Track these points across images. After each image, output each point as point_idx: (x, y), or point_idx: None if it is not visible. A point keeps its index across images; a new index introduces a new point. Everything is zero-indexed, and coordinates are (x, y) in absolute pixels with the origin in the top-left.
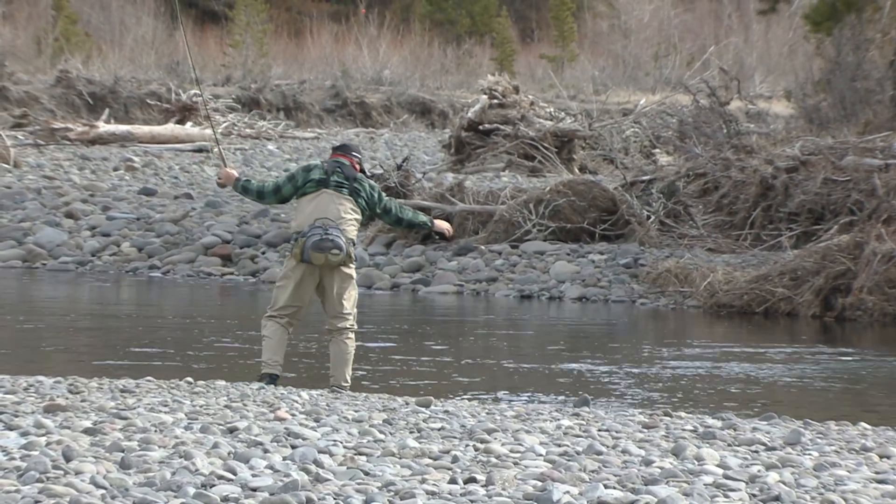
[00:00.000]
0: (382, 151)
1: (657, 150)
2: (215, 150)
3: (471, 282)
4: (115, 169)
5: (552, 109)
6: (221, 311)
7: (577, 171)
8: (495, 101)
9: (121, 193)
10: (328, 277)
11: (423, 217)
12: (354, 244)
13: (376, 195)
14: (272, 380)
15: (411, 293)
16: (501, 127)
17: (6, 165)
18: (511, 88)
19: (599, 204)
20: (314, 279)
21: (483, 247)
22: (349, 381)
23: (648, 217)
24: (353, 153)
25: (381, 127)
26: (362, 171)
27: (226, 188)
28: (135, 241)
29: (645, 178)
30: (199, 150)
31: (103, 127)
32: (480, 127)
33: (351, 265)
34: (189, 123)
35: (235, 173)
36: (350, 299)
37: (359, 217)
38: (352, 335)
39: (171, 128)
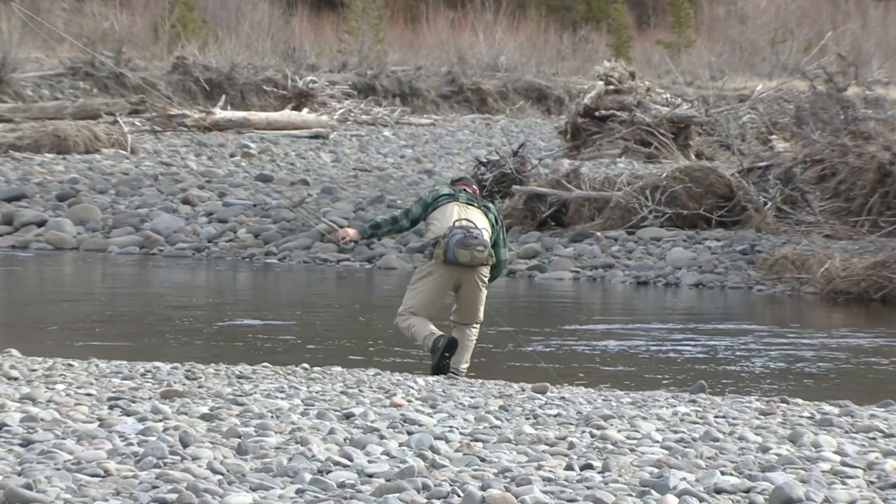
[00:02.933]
0: (498, 138)
1: (774, 137)
2: (321, 225)
3: (587, 268)
4: (232, 155)
5: (668, 95)
6: (337, 297)
7: (693, 157)
8: (611, 87)
9: (237, 180)
10: (467, 281)
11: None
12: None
13: (501, 221)
14: (449, 344)
15: (527, 279)
16: (617, 113)
17: (123, 152)
18: (627, 74)
19: (716, 190)
20: (451, 284)
21: (599, 233)
22: (466, 368)
23: (765, 203)
24: (473, 184)
25: (496, 113)
26: None
27: (351, 246)
28: (251, 227)
29: (762, 164)
30: (316, 137)
31: (220, 113)
32: (596, 113)
33: (488, 267)
34: (305, 110)
35: (354, 230)
36: (483, 303)
37: (489, 229)
38: (477, 325)
39: (287, 114)
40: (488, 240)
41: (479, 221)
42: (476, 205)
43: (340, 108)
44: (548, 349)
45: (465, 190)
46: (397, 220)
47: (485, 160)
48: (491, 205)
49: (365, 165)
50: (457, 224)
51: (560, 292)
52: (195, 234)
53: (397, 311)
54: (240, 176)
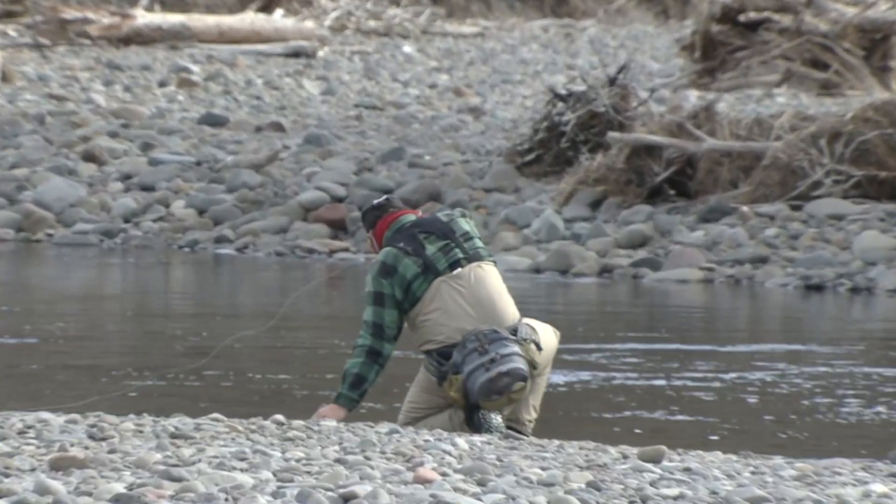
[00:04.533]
0: (585, 56)
1: None
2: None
3: (726, 263)
4: (162, 84)
5: None
6: (329, 310)
7: None
8: None
9: (171, 123)
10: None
11: None
12: (528, 325)
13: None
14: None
15: (631, 280)
16: (775, 17)
17: None
18: None
19: None
20: None
21: (746, 208)
22: (533, 421)
23: None
24: (399, 204)
25: (582, 17)
26: None
27: (342, 417)
28: (193, 198)
29: None
30: (296, 55)
31: (142, 17)
32: (741, 17)
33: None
34: (279, 12)
35: (331, 406)
36: (541, 391)
37: (495, 266)
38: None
39: (249, 19)
40: (525, 366)
41: (487, 289)
42: (460, 254)
43: (335, 10)
44: (663, 389)
45: (418, 225)
46: (379, 353)
47: (564, 92)
48: (462, 221)
49: (374, 100)
50: (468, 341)
51: (683, 301)
52: (104, 209)
53: (401, 413)
54: (175, 117)
